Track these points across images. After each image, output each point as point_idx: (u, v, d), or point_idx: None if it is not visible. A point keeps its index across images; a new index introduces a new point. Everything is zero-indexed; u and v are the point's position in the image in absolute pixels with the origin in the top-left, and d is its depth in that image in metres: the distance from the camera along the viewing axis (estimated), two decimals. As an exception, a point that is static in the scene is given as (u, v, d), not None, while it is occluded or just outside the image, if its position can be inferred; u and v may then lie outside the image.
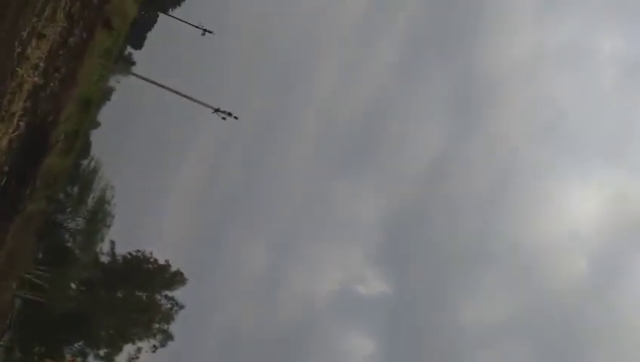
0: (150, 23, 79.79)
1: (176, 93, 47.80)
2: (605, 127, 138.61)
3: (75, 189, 52.63)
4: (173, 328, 51.99)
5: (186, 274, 52.04)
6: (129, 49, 77.65)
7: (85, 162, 55.49)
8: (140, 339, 50.80)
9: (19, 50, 15.35)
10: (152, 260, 52.08)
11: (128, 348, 50.78)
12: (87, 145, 61.38)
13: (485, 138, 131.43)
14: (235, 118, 49.89)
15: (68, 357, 50.33)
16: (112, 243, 52.38)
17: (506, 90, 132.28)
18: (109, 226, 50.80)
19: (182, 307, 52.03)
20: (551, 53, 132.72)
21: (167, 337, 51.47)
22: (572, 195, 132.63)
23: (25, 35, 15.08)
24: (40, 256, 47.89)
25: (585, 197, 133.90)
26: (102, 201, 50.71)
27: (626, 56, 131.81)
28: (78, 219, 51.13)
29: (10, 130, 17.97)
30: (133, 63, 77.16)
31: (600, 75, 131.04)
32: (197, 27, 62.43)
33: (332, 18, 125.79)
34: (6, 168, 19.73)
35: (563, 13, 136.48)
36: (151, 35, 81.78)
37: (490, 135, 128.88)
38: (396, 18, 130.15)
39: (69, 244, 51.88)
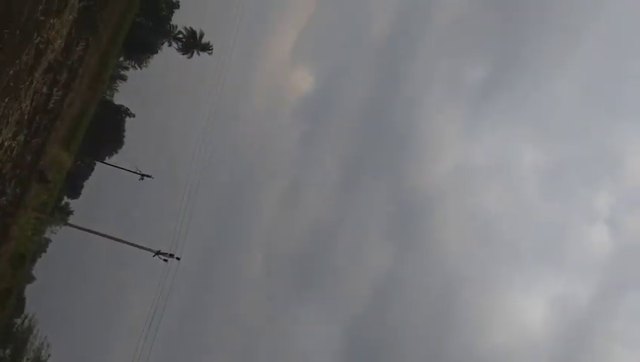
0: (87, 171, 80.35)
1: (115, 239, 47.14)
2: (539, 233, 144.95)
3: (8, 351, 49.31)
4: None
5: None
6: (66, 199, 77.22)
7: (19, 321, 52.53)
8: None
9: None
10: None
11: None
12: (20, 302, 58.44)
13: (426, 254, 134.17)
14: (178, 258, 49.21)
15: None
16: (50, 407, 48.61)
17: (440, 206, 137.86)
18: (45, 389, 47.31)
19: None
20: (477, 168, 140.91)
21: None
22: (519, 303, 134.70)
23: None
24: None
25: (531, 303, 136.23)
26: (37, 362, 47.54)
27: (545, 166, 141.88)
28: (12, 384, 47.49)
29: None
30: (70, 213, 76.32)
31: (525, 185, 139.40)
32: (134, 172, 63.25)
33: (269, 148, 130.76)
34: None
35: (484, 131, 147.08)
36: (88, 183, 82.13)
37: (430, 251, 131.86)
38: (330, 146, 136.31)
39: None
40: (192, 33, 73.25)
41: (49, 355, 48.29)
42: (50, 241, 69.29)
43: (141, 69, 74.52)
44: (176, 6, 73.77)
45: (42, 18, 16.75)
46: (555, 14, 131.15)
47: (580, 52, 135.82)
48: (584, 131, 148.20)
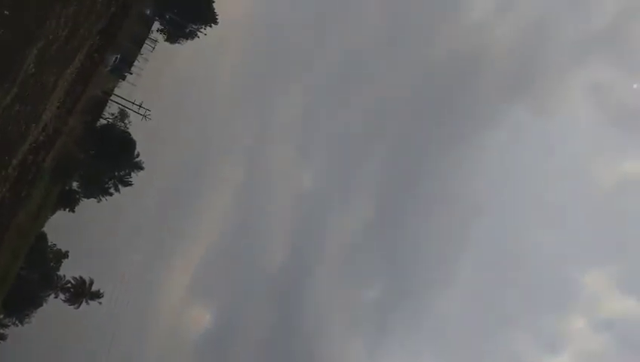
0: None
1: None
2: None
3: None
4: None
5: None
6: None
7: None
8: None
9: None
10: None
11: None
12: None
13: None
14: None
15: None
16: None
17: None
18: None
19: None
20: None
21: None
22: None
23: None
24: None
25: None
26: None
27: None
28: None
29: None
30: None
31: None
32: None
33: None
34: None
35: (387, 353, 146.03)
36: None
37: None
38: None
39: None
40: (81, 282, 70.56)
41: None
42: None
43: (23, 325, 68.93)
44: (65, 256, 71.90)
45: None
46: (439, 231, 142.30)
47: (464, 265, 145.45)
48: (482, 341, 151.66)
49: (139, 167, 72.37)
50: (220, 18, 76.96)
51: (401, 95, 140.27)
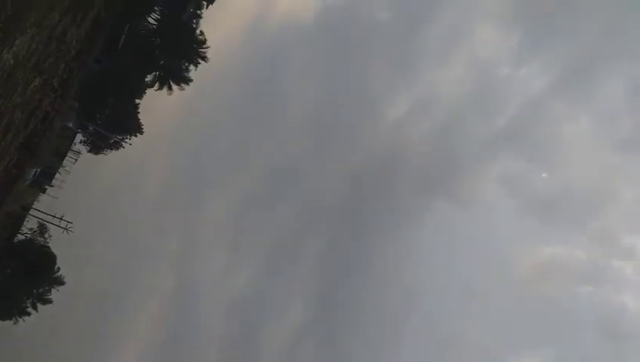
0: None
1: None
2: None
3: None
4: None
5: None
6: None
7: None
8: None
9: None
10: None
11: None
12: None
13: None
14: None
15: None
16: None
17: None
18: None
19: None
20: None
21: None
22: None
23: None
24: None
25: None
26: None
27: None
28: None
29: None
30: None
31: None
32: None
33: None
34: None
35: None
36: None
37: None
38: None
39: None
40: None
41: None
42: None
43: None
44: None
45: None
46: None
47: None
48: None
49: (59, 282, 69.00)
50: (145, 127, 77.73)
51: (327, 199, 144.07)
